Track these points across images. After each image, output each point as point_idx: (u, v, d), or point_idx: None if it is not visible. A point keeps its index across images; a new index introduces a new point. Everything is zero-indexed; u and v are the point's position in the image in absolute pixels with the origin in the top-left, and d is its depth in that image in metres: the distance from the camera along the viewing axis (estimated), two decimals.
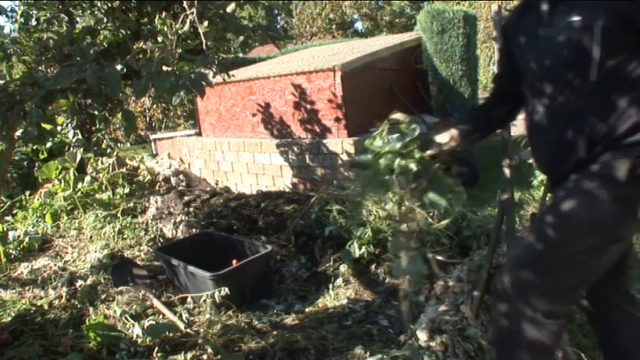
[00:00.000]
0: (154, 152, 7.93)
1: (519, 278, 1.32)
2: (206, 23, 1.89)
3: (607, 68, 1.21)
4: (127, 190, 4.42)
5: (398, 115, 1.69)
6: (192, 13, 1.90)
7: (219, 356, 1.97)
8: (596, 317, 1.57)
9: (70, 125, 2.65)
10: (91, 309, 2.49)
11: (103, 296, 2.68)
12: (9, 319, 2.31)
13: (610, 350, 1.56)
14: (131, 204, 4.04)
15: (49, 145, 4.55)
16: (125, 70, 1.81)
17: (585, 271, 1.32)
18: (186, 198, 4.06)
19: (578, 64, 1.24)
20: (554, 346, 1.34)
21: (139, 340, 2.11)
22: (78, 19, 2.45)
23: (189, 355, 1.99)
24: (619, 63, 1.22)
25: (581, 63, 1.23)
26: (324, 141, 5.14)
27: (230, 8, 2.14)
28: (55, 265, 3.17)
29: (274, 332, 2.26)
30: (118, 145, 6.69)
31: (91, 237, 3.64)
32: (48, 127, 2.07)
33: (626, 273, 1.51)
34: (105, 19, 2.34)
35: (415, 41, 6.58)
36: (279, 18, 27.68)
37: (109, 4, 2.32)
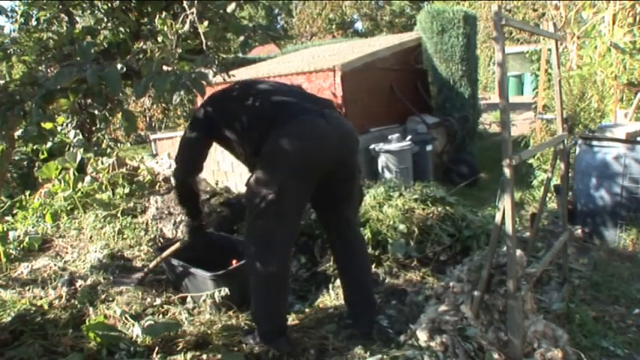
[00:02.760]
0: (154, 152, 7.92)
1: None
2: (206, 23, 1.88)
3: None
4: (127, 190, 4.40)
5: None
6: (192, 13, 1.89)
7: (219, 356, 1.97)
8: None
9: (70, 125, 2.64)
10: (91, 309, 2.49)
11: (103, 296, 2.68)
12: (9, 319, 2.31)
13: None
14: (131, 204, 4.03)
15: (49, 145, 4.54)
16: (125, 70, 1.80)
17: None
18: None
19: None
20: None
21: (139, 340, 2.11)
22: (78, 19, 2.44)
23: (189, 355, 1.99)
24: None
25: None
26: None
27: (230, 8, 2.13)
28: (55, 265, 3.17)
29: None
30: (118, 145, 6.67)
31: (91, 237, 3.64)
32: (48, 126, 2.07)
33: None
34: (105, 19, 2.34)
35: (415, 41, 6.58)
36: (279, 18, 27.68)
37: (109, 4, 2.32)
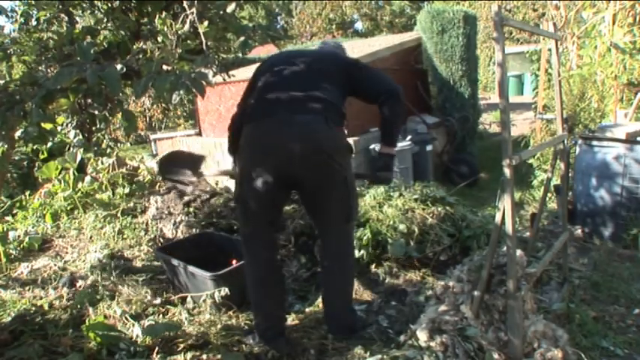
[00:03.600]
0: (154, 152, 7.92)
1: None
2: (206, 23, 1.88)
3: None
4: (127, 190, 4.40)
5: None
6: (192, 13, 1.90)
7: (219, 356, 1.98)
8: None
9: (70, 125, 2.64)
10: (90, 309, 2.49)
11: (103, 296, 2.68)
12: (9, 319, 2.31)
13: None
14: (131, 204, 4.03)
15: (49, 145, 4.54)
16: (125, 70, 1.80)
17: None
18: (186, 198, 4.05)
19: None
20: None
21: (139, 340, 2.11)
22: (78, 19, 2.44)
23: (189, 355, 1.99)
24: None
25: None
26: None
27: (230, 8, 2.13)
28: (55, 265, 3.17)
29: None
30: (118, 145, 6.68)
31: (91, 237, 3.64)
32: (48, 126, 2.07)
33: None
34: (105, 19, 2.34)
35: (415, 41, 6.57)
36: (279, 18, 27.70)
37: (109, 4, 2.32)
